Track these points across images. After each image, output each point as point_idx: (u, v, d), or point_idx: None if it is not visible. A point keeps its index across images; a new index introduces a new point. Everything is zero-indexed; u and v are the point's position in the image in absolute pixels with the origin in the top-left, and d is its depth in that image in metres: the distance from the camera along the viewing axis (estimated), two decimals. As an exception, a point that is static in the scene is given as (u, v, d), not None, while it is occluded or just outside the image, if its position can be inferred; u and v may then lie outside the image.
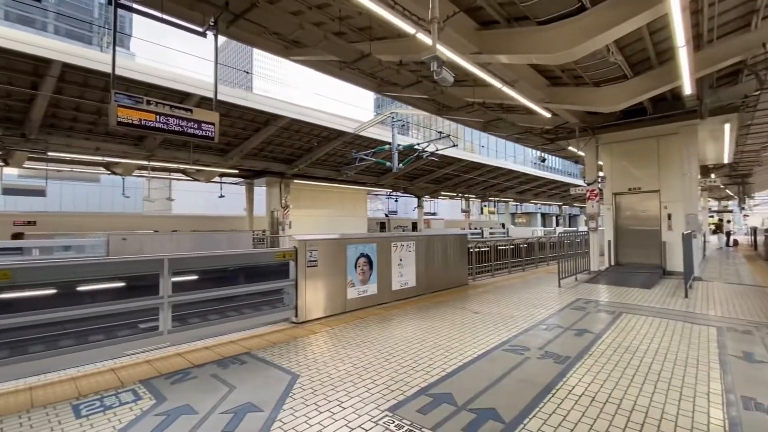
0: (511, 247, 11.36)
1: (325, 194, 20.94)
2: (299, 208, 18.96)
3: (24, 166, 14.15)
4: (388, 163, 15.94)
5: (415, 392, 3.03)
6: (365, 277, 6.10)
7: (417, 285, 7.06)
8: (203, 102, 10.85)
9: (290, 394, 3.00)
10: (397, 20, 4.70)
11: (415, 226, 28.27)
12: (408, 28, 4.92)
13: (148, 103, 3.96)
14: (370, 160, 16.20)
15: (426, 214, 28.79)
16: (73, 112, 11.15)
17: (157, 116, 4.03)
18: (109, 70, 9.74)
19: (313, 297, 5.33)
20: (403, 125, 18.27)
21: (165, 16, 4.81)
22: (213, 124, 4.59)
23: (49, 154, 12.65)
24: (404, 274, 6.83)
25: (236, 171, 16.50)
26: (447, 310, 5.99)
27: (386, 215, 29.57)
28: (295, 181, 18.21)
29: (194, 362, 3.72)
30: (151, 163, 13.99)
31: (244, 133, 13.98)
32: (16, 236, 15.06)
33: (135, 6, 4.62)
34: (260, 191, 19.47)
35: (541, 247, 12.96)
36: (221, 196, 18.99)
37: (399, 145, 15.80)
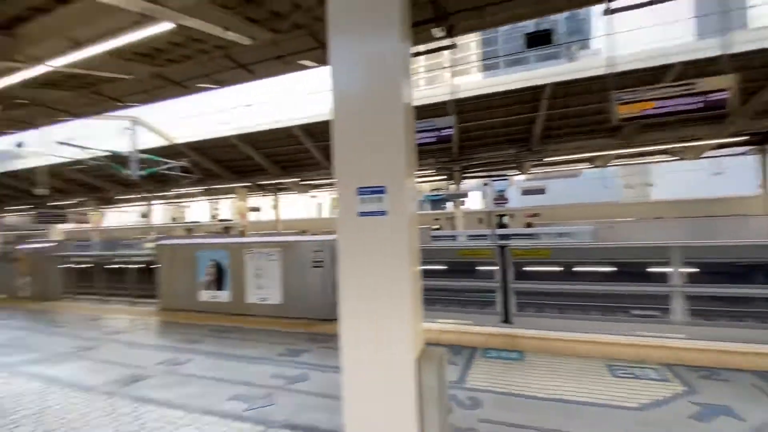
0: None
1: None
2: None
3: (528, 172, 18.80)
4: None
5: None
6: None
7: None
8: (684, 68, 9.41)
9: None
10: None
11: None
12: None
13: (646, 92, 3.97)
14: None
15: None
16: (557, 122, 13.42)
17: (656, 102, 3.94)
18: (582, 75, 10.82)
19: None
20: None
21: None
22: (724, 90, 3.80)
23: (544, 159, 15.99)
24: None
25: (740, 138, 12.85)
26: None
27: None
28: None
29: (718, 364, 3.31)
30: (628, 150, 13.97)
31: (751, 86, 10.63)
32: (528, 225, 20.39)
33: (625, 5, 4.81)
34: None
35: None
36: (717, 174, 15.47)
37: None
